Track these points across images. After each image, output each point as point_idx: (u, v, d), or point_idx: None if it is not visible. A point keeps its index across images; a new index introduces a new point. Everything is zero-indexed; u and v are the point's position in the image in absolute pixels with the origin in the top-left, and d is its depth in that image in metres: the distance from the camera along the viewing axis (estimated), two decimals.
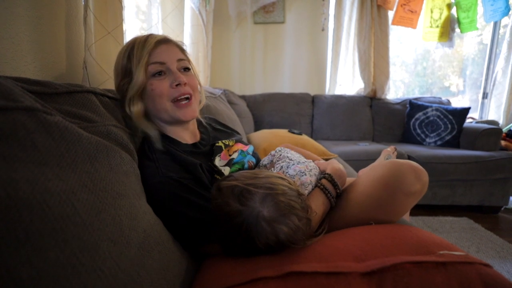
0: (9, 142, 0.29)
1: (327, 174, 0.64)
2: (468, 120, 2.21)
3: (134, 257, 0.36)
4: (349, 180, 0.71)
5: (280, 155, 0.72)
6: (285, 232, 0.45)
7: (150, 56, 0.60)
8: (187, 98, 0.63)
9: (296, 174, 0.63)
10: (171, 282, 0.42)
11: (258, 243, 0.45)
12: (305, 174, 0.62)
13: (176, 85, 0.61)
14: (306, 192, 0.60)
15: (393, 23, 2.31)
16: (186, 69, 0.66)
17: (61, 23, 0.75)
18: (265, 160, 0.76)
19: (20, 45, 0.63)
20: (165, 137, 0.65)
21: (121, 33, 0.83)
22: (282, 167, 0.67)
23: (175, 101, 0.62)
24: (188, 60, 0.67)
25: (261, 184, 0.47)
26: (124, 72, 0.61)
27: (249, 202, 0.45)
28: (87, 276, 0.28)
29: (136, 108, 0.61)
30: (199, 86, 0.69)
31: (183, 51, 0.67)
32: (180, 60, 0.64)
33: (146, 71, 0.60)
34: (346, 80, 2.52)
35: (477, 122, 2.25)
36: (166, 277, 0.42)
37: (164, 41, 0.63)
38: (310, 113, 2.37)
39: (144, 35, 0.62)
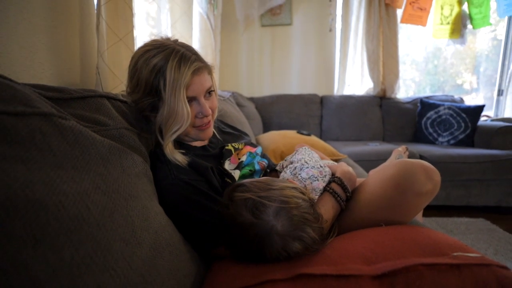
0: (26, 146, 0.30)
1: (337, 177, 0.63)
2: (482, 118, 2.13)
3: (145, 258, 0.37)
4: (359, 180, 0.69)
5: (297, 156, 0.71)
6: (298, 248, 0.44)
7: (186, 90, 0.57)
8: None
9: (309, 178, 0.62)
10: (182, 283, 0.43)
11: (268, 257, 0.45)
12: (318, 180, 0.61)
13: (202, 117, 0.62)
14: (317, 197, 0.60)
15: (402, 21, 2.26)
16: (212, 92, 0.64)
17: (75, 31, 0.78)
18: (288, 157, 0.74)
19: (38, 54, 0.65)
20: (176, 142, 0.66)
21: (132, 39, 0.85)
22: (295, 168, 0.65)
23: (196, 126, 0.63)
24: (213, 82, 0.65)
25: (275, 197, 0.46)
26: (150, 90, 0.57)
27: (262, 215, 0.45)
28: (100, 275, 0.29)
29: (171, 145, 0.60)
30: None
31: (210, 73, 0.64)
32: (208, 89, 0.63)
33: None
34: (355, 80, 2.49)
35: (492, 120, 2.17)
36: (176, 278, 0.42)
37: (198, 71, 0.58)
38: (318, 114, 2.35)
39: (174, 57, 0.56)
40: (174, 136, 0.59)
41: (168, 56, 0.56)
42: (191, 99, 0.60)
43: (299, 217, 0.45)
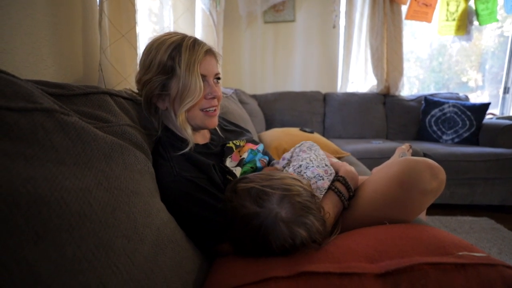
0: (29, 142, 0.30)
1: (340, 176, 0.63)
2: (488, 116, 2.11)
3: (147, 254, 0.37)
4: (362, 178, 0.69)
5: (302, 154, 0.70)
6: (303, 235, 0.44)
7: (199, 66, 0.60)
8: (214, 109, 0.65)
9: (314, 177, 0.62)
10: (184, 279, 0.43)
11: (274, 246, 0.44)
12: (323, 179, 0.61)
13: (211, 97, 0.63)
14: (321, 196, 0.60)
15: (406, 18, 2.23)
16: (219, 79, 0.67)
17: (77, 27, 0.78)
18: (287, 155, 0.73)
19: (41, 50, 0.65)
20: (178, 138, 0.66)
21: (134, 35, 0.85)
22: (300, 166, 0.65)
23: (203, 110, 0.64)
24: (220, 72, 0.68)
25: (277, 186, 0.47)
26: (162, 68, 0.59)
27: (266, 203, 0.45)
28: (102, 271, 0.28)
29: (183, 116, 0.62)
30: None
31: (218, 62, 0.68)
32: (217, 74, 0.65)
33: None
34: (358, 77, 2.46)
35: (497, 118, 2.14)
36: (179, 274, 0.42)
37: (209, 52, 0.63)
38: (321, 111, 2.34)
39: (189, 38, 0.61)
40: (186, 107, 0.61)
41: (183, 37, 0.61)
42: (201, 78, 0.61)
43: (302, 204, 0.46)
